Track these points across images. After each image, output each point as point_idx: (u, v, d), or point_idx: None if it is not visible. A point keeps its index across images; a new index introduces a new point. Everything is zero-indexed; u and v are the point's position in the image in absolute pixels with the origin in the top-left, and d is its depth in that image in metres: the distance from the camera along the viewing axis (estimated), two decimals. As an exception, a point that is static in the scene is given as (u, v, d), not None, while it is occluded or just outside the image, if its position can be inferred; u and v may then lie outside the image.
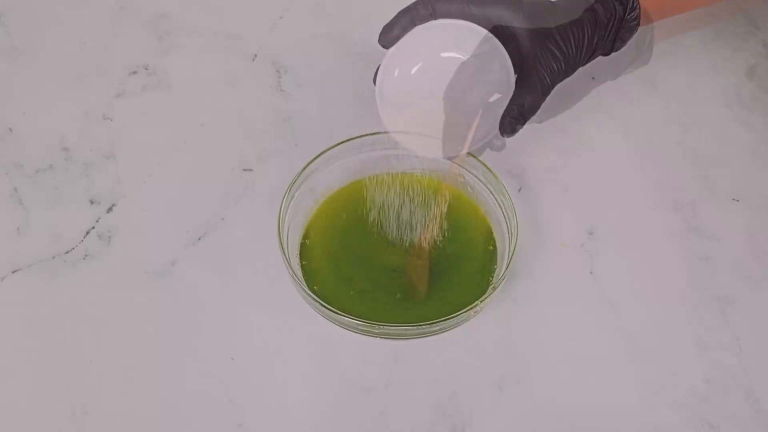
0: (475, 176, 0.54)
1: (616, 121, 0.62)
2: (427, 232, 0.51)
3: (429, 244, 0.51)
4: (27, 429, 0.48)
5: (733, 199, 0.58)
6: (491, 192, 0.54)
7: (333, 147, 0.54)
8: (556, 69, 0.48)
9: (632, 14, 0.51)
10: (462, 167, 0.55)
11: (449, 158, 0.50)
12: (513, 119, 0.48)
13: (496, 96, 0.48)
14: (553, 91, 0.51)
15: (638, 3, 0.50)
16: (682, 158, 0.60)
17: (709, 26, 0.67)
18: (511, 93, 0.49)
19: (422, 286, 0.51)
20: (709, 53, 0.66)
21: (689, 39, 0.66)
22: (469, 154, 0.53)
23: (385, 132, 0.53)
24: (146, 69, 0.64)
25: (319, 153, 0.54)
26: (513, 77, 0.49)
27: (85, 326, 0.51)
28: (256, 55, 0.65)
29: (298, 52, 0.65)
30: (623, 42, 0.52)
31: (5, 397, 0.49)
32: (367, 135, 0.54)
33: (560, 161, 0.60)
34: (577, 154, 0.60)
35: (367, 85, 0.59)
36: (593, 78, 0.62)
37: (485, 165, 0.53)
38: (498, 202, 0.53)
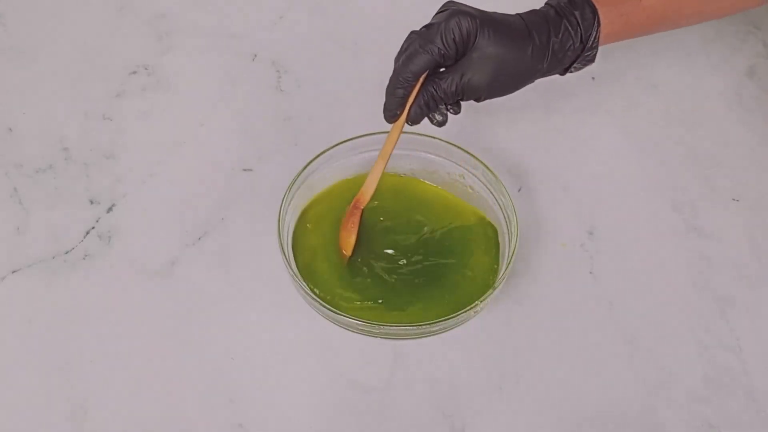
0: (475, 176, 0.54)
1: (616, 121, 0.62)
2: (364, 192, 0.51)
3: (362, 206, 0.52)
4: (27, 429, 0.48)
5: (733, 199, 0.58)
6: (491, 192, 0.53)
7: (333, 147, 0.53)
8: (501, 56, 0.47)
9: (590, 53, 0.51)
10: (462, 167, 0.55)
11: (389, 124, 0.50)
12: (450, 92, 0.48)
13: (441, 69, 0.48)
14: (534, 89, 0.50)
15: (598, 42, 0.50)
16: (682, 158, 0.60)
17: (709, 26, 0.66)
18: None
19: (347, 248, 0.51)
20: (709, 53, 0.65)
21: (689, 39, 0.65)
22: (465, 151, 0.53)
23: (386, 132, 0.53)
24: (146, 69, 0.63)
25: (318, 153, 0.53)
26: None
27: (85, 326, 0.51)
28: (256, 55, 0.65)
29: (298, 52, 0.65)
30: (578, 69, 0.52)
31: (5, 396, 0.49)
32: (367, 135, 0.54)
33: (560, 161, 0.59)
34: (577, 154, 0.60)
35: (366, 84, 0.60)
36: (593, 78, 0.62)
37: (485, 165, 0.53)
38: (498, 202, 0.53)
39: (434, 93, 0.48)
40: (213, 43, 0.65)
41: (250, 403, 0.49)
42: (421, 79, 0.48)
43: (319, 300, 0.48)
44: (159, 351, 0.50)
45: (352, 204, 0.52)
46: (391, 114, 0.49)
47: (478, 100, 0.50)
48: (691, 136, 0.61)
